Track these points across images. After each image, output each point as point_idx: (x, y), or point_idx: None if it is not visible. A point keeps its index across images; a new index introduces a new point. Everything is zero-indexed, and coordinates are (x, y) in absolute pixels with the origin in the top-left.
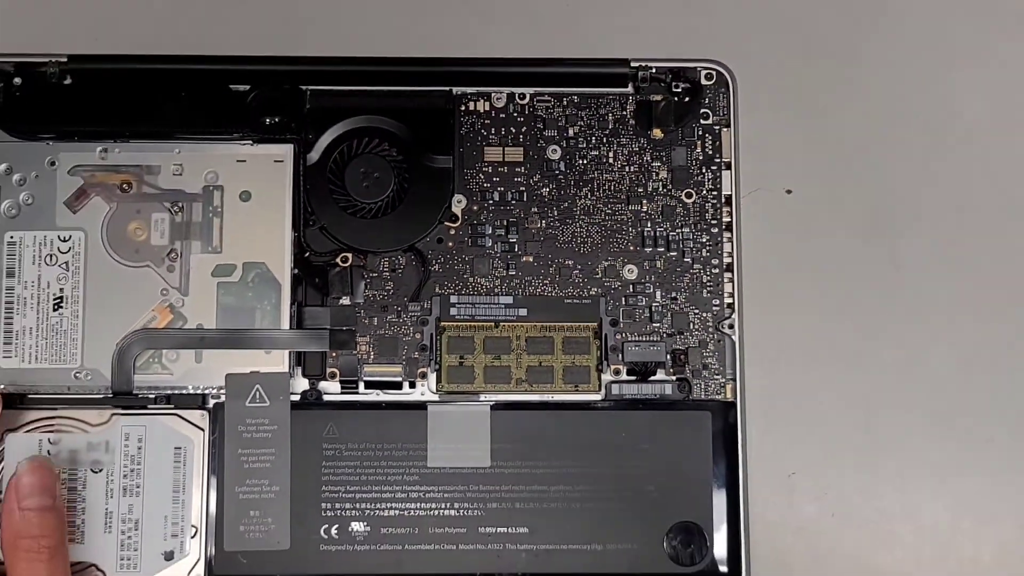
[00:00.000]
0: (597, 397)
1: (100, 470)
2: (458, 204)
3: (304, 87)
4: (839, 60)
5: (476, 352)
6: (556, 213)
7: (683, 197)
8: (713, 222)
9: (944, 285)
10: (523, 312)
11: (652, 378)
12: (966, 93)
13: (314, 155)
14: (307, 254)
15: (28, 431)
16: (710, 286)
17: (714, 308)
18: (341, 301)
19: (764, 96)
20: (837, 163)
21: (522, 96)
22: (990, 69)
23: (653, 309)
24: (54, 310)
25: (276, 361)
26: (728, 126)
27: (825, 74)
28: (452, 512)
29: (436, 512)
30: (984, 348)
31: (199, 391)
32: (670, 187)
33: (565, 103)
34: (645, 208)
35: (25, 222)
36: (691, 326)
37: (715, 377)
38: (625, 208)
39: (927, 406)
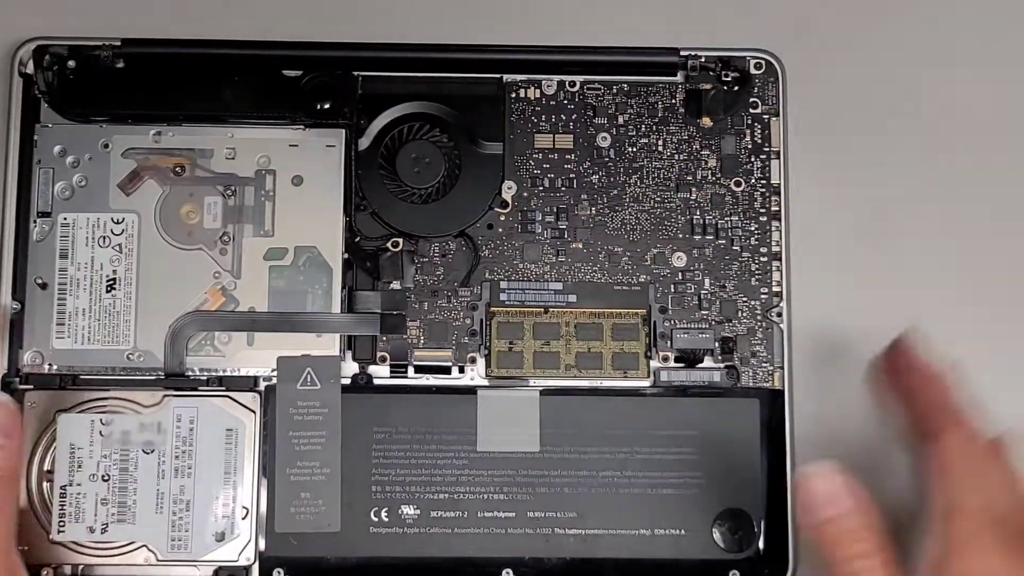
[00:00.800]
0: (646, 383)
1: (152, 451)
2: (508, 190)
3: (356, 73)
4: (890, 48)
5: (526, 338)
6: (606, 200)
7: (732, 185)
8: (762, 211)
9: (989, 278)
10: (572, 298)
11: (700, 365)
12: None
13: (365, 140)
14: (358, 239)
15: (81, 411)
16: (758, 274)
17: (762, 296)
18: (392, 286)
19: (815, 85)
20: (888, 152)
21: (572, 84)
22: None
23: (702, 296)
24: (107, 291)
25: (327, 344)
26: (777, 115)
27: (876, 62)
28: (501, 496)
29: (485, 496)
30: None
31: (250, 373)
32: (719, 175)
33: (615, 91)
34: (694, 196)
35: (79, 204)
36: (739, 314)
37: (763, 365)
38: (674, 196)
39: None
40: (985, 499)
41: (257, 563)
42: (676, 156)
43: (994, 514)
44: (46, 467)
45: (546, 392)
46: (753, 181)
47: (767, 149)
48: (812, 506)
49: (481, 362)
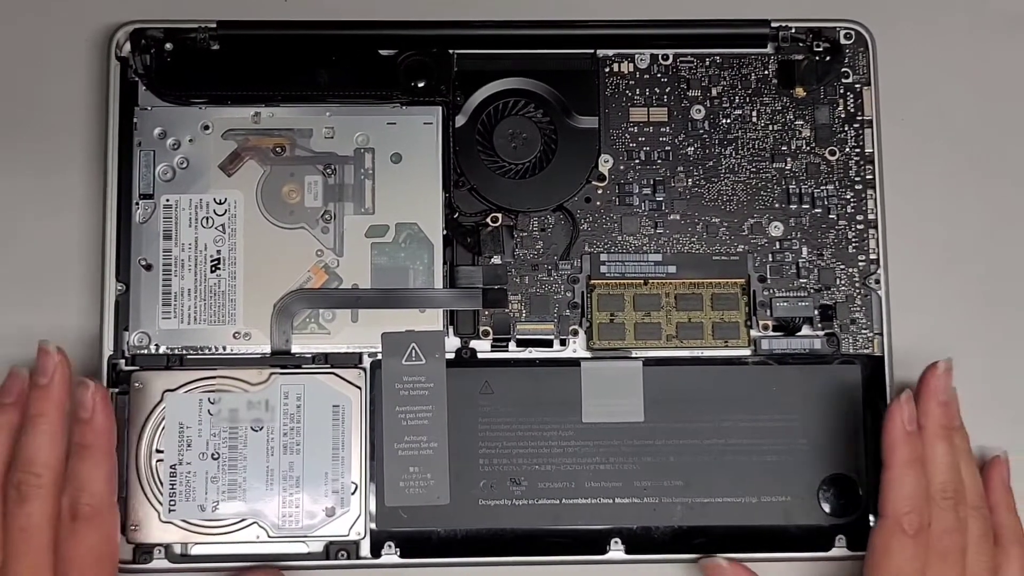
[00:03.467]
0: (746, 352)
1: (260, 428)
2: (605, 164)
3: (451, 51)
4: (978, 15)
5: (626, 309)
6: (701, 172)
7: (826, 155)
8: (857, 179)
9: None
10: (672, 269)
11: (800, 333)
12: None
13: (462, 117)
14: (457, 215)
15: (188, 391)
16: (855, 242)
17: (860, 264)
18: (492, 260)
19: (906, 54)
20: (983, 119)
21: (665, 57)
22: None
23: (800, 265)
24: (212, 271)
25: (431, 320)
26: (868, 85)
27: (963, 29)
28: (608, 467)
29: (592, 467)
30: None
31: (355, 350)
32: (813, 145)
33: (707, 63)
34: (789, 166)
35: (180, 185)
36: (838, 281)
37: (863, 332)
38: (769, 166)
39: None
40: None
41: (368, 537)
42: (770, 127)
43: None
44: (155, 447)
45: (648, 362)
46: (847, 150)
47: (860, 118)
48: None
49: (583, 334)
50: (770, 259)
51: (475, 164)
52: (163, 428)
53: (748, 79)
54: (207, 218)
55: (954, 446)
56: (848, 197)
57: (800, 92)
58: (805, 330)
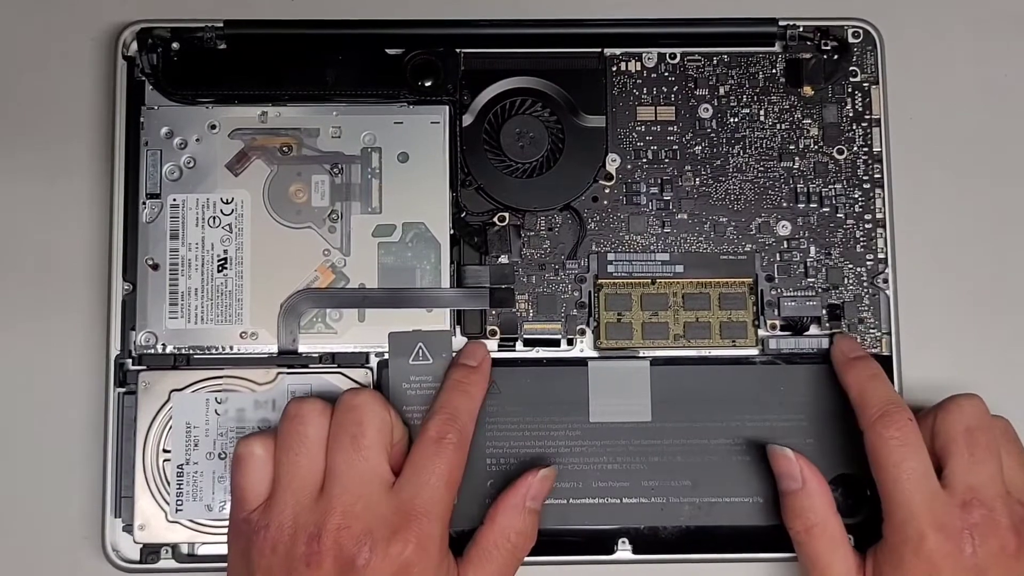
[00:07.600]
0: (754, 352)
1: (267, 428)
2: (612, 163)
3: (458, 50)
4: (987, 14)
5: (634, 309)
6: (709, 171)
7: (834, 154)
8: (865, 178)
9: None
10: (679, 268)
11: (807, 333)
12: None
13: (469, 116)
14: (464, 214)
15: (195, 391)
16: (863, 241)
17: (868, 263)
18: (499, 260)
19: (914, 53)
20: (991, 118)
21: (672, 56)
22: None
23: (808, 264)
24: (218, 271)
25: (438, 319)
26: (877, 83)
27: (976, 28)
28: (615, 466)
29: (599, 467)
30: None
31: (362, 350)
32: (821, 144)
33: (715, 62)
34: (797, 165)
35: (187, 185)
36: (846, 281)
37: (871, 331)
38: (777, 165)
39: None
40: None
41: None
42: (778, 125)
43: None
44: (162, 447)
45: (656, 362)
46: (855, 149)
47: (868, 117)
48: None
49: (590, 334)
50: (778, 258)
51: (482, 163)
52: (170, 428)
53: (756, 78)
54: (214, 217)
55: None
56: (856, 196)
57: (808, 91)
58: (813, 329)
